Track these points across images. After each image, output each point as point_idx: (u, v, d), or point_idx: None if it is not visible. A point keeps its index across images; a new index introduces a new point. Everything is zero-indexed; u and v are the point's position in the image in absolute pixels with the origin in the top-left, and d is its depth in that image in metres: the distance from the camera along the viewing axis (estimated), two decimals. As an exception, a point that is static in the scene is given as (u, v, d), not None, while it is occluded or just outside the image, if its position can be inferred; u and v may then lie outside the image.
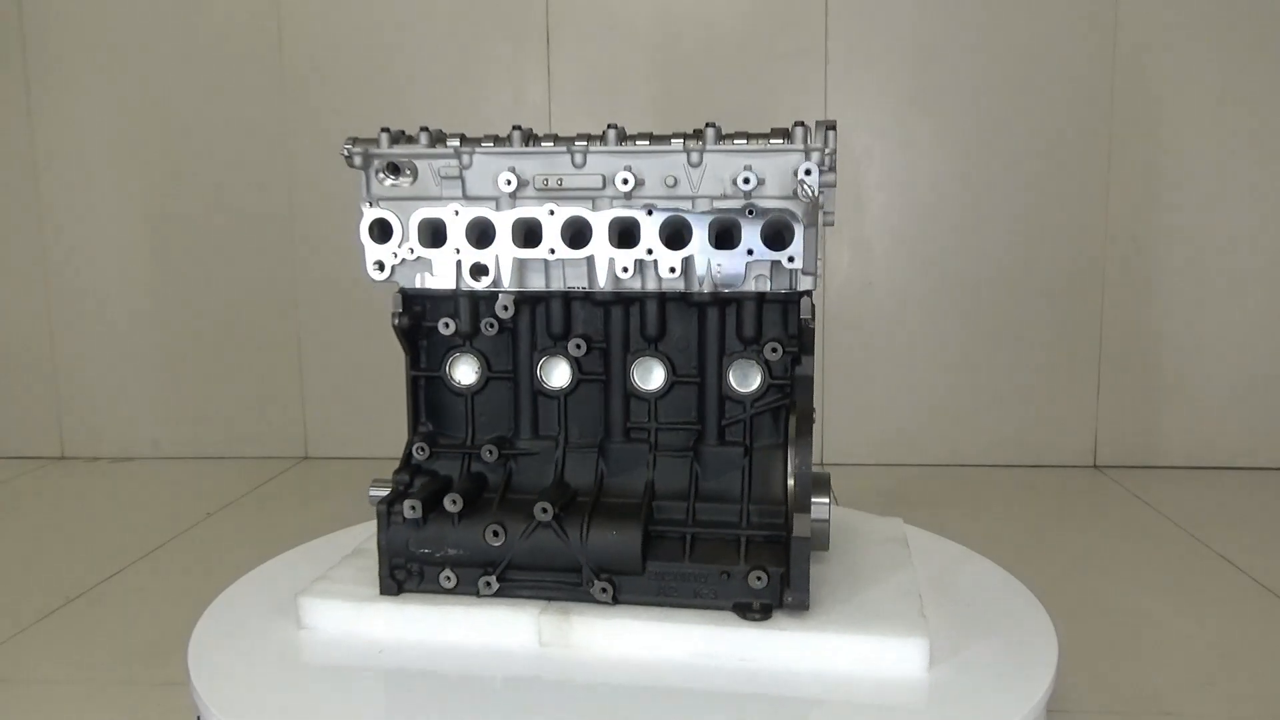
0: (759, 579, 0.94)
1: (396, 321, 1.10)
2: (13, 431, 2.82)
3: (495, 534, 1.00)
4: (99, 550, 2.05)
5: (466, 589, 1.01)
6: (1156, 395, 2.60)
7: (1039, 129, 2.53)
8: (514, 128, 1.07)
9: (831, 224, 1.07)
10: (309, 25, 2.63)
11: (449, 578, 1.02)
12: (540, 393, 1.09)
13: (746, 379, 1.04)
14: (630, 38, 2.58)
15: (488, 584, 1.01)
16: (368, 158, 1.08)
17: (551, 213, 1.03)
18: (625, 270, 1.02)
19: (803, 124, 1.00)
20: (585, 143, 1.04)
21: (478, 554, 1.01)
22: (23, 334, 2.79)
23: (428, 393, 1.12)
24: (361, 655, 0.97)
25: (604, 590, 0.98)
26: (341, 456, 2.76)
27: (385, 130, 1.08)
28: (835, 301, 2.61)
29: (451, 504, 1.02)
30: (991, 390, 2.63)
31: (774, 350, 1.03)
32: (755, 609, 0.95)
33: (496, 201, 1.07)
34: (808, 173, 0.98)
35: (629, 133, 1.05)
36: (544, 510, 0.98)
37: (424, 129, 1.09)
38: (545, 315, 1.09)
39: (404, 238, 1.09)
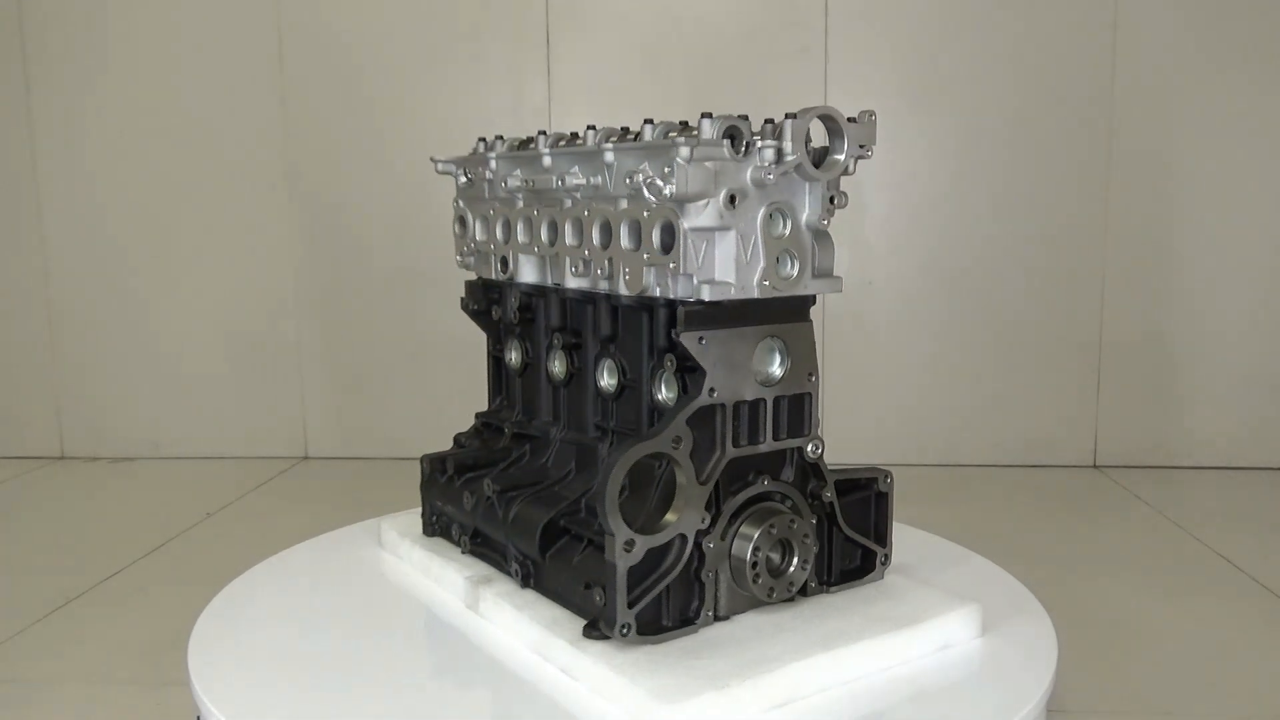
0: (598, 598, 0.90)
1: (462, 306, 1.23)
2: (13, 431, 2.82)
3: (465, 500, 1.10)
4: (99, 550, 2.05)
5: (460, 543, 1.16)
6: (1156, 395, 2.60)
7: (1039, 128, 2.53)
8: (539, 132, 1.11)
9: (821, 226, 0.96)
10: (309, 26, 2.63)
11: (455, 530, 1.16)
12: (550, 381, 1.13)
13: (671, 390, 0.95)
14: (630, 38, 2.58)
15: (465, 541, 1.13)
16: (445, 162, 1.21)
17: (536, 212, 1.08)
18: (575, 269, 1.04)
19: (709, 115, 0.89)
20: (540, 145, 1.07)
21: (460, 515, 1.13)
22: (23, 334, 2.79)
23: (504, 371, 1.22)
24: (368, 574, 1.19)
25: (516, 571, 1.03)
26: (341, 456, 2.76)
27: (481, 139, 1.18)
28: (835, 301, 2.61)
29: (446, 467, 1.15)
30: (991, 390, 2.63)
31: (669, 363, 0.94)
32: (600, 626, 0.91)
33: (513, 202, 1.13)
34: (668, 170, 0.87)
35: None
36: (486, 486, 1.07)
37: (499, 137, 1.17)
38: (546, 309, 1.13)
39: (472, 233, 1.20)
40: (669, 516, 0.89)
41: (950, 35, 2.52)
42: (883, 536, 1.04)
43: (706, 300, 0.89)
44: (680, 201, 0.88)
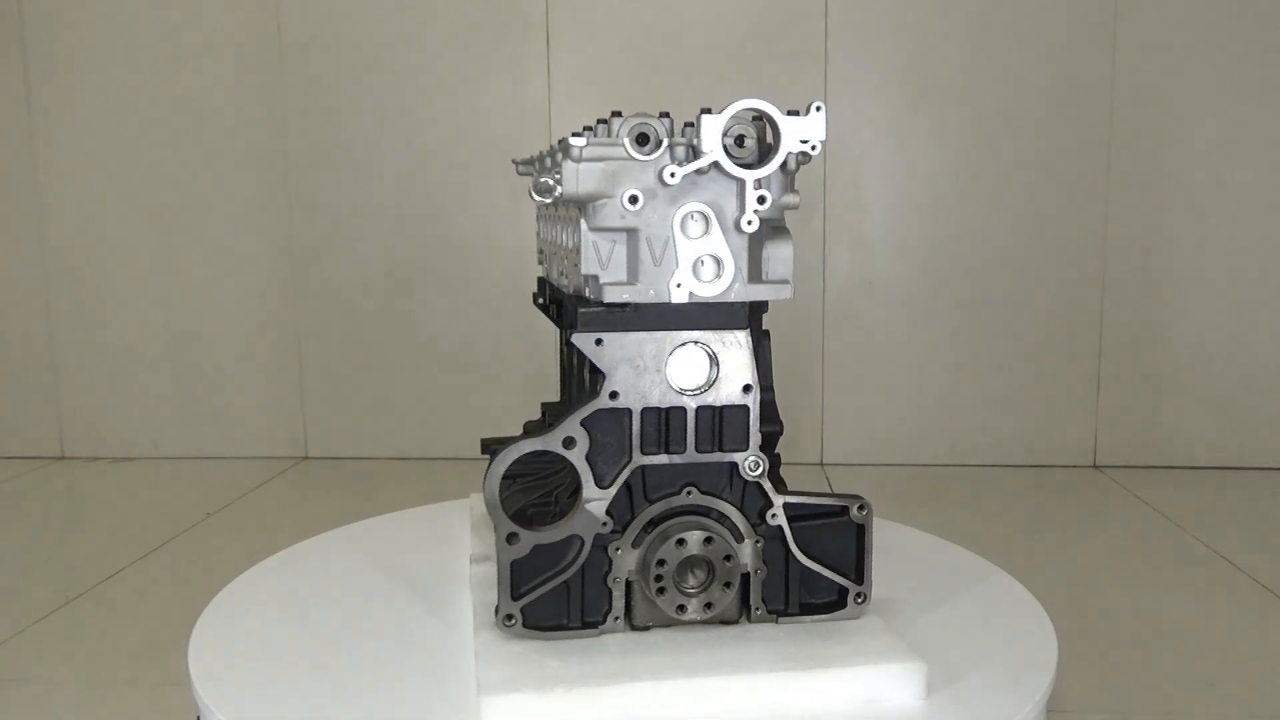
0: None
1: (533, 299, 1.26)
2: (13, 431, 2.82)
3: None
4: (99, 550, 2.05)
5: None
6: (1156, 395, 2.60)
7: (1039, 128, 2.53)
8: (584, 128, 1.12)
9: (750, 228, 0.86)
10: (309, 25, 2.63)
11: None
12: (574, 375, 1.14)
13: None
14: (630, 37, 2.58)
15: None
16: (523, 163, 1.25)
17: (548, 213, 1.11)
18: (560, 269, 1.05)
19: (618, 113, 0.87)
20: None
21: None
22: (23, 334, 2.79)
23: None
24: (427, 550, 1.23)
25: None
26: (341, 456, 2.76)
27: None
28: (835, 301, 2.61)
29: (490, 451, 1.18)
30: (991, 390, 2.63)
31: (587, 363, 0.92)
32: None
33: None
34: (556, 177, 0.86)
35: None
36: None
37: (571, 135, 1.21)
38: (561, 305, 1.16)
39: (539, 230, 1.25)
40: (566, 518, 0.89)
41: (950, 35, 2.52)
42: (860, 571, 0.95)
43: (606, 302, 0.87)
44: (572, 201, 0.86)
